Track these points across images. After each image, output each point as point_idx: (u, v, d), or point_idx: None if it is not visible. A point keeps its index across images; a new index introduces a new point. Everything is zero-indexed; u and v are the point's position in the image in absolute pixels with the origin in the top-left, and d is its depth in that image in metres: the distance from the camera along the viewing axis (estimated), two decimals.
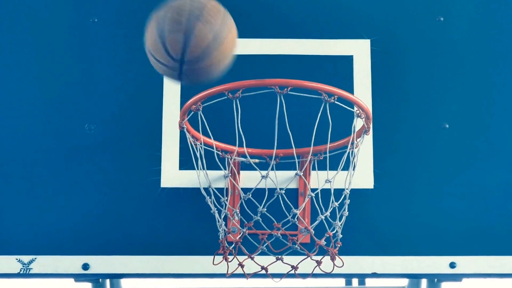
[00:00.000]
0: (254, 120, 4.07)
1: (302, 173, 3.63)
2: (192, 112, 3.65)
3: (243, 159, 3.68)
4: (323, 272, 3.66)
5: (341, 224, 3.68)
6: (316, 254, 3.59)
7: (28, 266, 3.98)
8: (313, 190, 3.64)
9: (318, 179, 3.71)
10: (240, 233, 3.71)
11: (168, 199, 4.07)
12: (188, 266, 3.98)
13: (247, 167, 3.83)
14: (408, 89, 4.21)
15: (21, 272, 3.97)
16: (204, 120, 3.62)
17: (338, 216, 3.67)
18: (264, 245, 3.60)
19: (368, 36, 4.25)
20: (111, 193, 4.08)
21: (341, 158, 3.71)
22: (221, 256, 3.66)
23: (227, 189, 3.85)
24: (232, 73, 4.15)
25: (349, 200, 3.71)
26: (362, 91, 4.16)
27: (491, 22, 4.30)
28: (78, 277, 4.00)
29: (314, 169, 3.89)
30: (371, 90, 4.18)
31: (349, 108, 3.62)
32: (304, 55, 4.23)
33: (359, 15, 4.29)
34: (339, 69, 4.20)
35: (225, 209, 3.70)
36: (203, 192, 3.76)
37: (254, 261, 3.60)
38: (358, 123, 3.71)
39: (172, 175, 4.09)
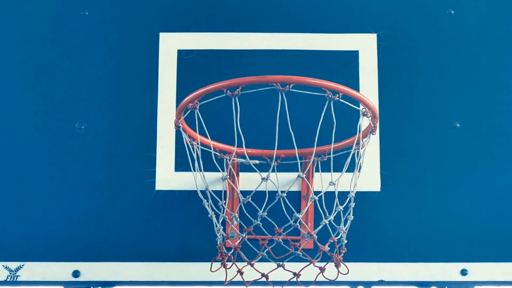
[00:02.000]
0: (254, 119, 4.07)
1: (304, 175, 3.61)
2: (189, 111, 3.65)
3: (242, 160, 3.67)
4: (326, 280, 3.65)
5: (346, 229, 3.67)
6: (320, 261, 3.58)
7: (15, 273, 3.97)
8: (316, 193, 3.63)
9: (322, 182, 3.72)
10: (239, 239, 3.70)
11: (163, 202, 4.06)
12: (184, 273, 3.98)
13: (247, 168, 3.82)
14: (416, 86, 4.20)
15: (8, 280, 3.97)
16: (201, 119, 3.61)
17: (342, 221, 3.66)
18: (265, 251, 3.59)
19: (375, 30, 4.24)
20: (103, 196, 4.08)
21: (346, 159, 3.70)
22: (219, 263, 3.65)
23: (225, 192, 3.85)
24: (231, 69, 4.18)
25: (354, 204, 3.70)
26: (368, 88, 4.16)
27: (505, 15, 4.29)
28: (68, 285, 4.00)
29: (317, 170, 3.89)
30: (378, 87, 4.17)
31: (354, 106, 3.61)
32: (307, 50, 4.22)
33: (365, 8, 4.28)
34: (344, 65, 4.19)
35: (223, 213, 3.69)
36: (200, 195, 3.75)
37: (254, 268, 3.59)
38: (364, 122, 3.71)
39: (168, 177, 4.08)
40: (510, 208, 4.08)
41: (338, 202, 3.62)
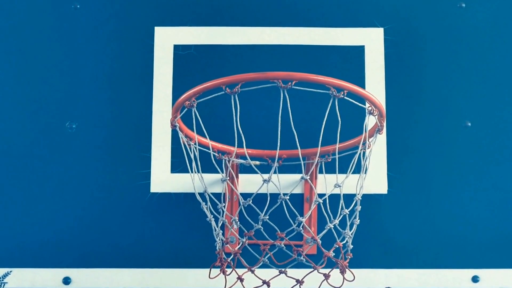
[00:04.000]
0: (255, 118, 4.07)
1: (308, 177, 3.60)
2: (186, 109, 3.64)
3: (242, 161, 3.67)
4: (331, 287, 3.63)
5: (351, 234, 3.66)
6: (324, 267, 3.57)
7: (2, 280, 3.97)
8: (320, 195, 3.61)
9: (326, 184, 3.70)
10: (239, 244, 3.69)
11: (159, 205, 4.06)
12: (181, 280, 3.98)
13: (247, 170, 3.82)
14: (425, 83, 4.20)
15: None
16: (199, 118, 3.60)
17: (348, 225, 3.65)
18: (266, 257, 3.58)
19: (381, 24, 4.24)
20: (95, 199, 4.07)
21: (351, 160, 3.69)
22: (218, 269, 3.64)
23: (224, 194, 3.83)
24: (230, 65, 4.18)
25: (360, 207, 3.69)
26: (375, 85, 4.16)
27: None
28: None
29: (321, 172, 3.89)
30: (385, 84, 4.17)
31: (360, 104, 3.61)
32: (310, 45, 4.22)
33: (371, 0, 4.28)
34: (349, 61, 4.19)
35: (222, 216, 3.68)
36: (198, 197, 3.74)
37: (254, 274, 3.58)
38: (370, 121, 3.70)
39: (163, 179, 4.08)
40: None
41: (343, 205, 3.61)
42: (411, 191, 4.08)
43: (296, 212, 3.54)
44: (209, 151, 3.69)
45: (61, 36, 4.23)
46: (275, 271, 3.59)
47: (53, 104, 4.17)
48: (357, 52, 4.20)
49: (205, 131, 3.63)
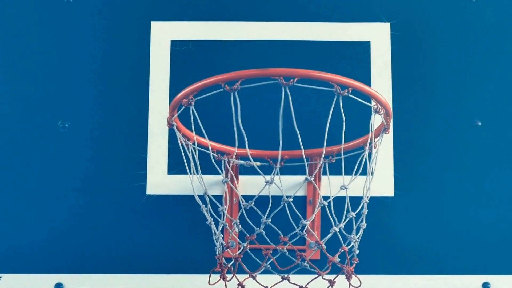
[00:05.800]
0: (256, 117, 4.07)
1: (312, 178, 3.59)
2: (183, 107, 3.62)
3: (243, 162, 3.66)
4: None
5: (358, 238, 3.65)
6: (329, 273, 3.56)
7: None
8: (324, 198, 3.60)
9: (330, 186, 3.69)
10: (240, 248, 3.68)
11: (155, 208, 4.06)
12: (179, 286, 3.98)
13: (248, 171, 3.82)
14: (434, 80, 4.20)
15: None
16: (197, 116, 3.58)
17: (354, 229, 3.64)
18: (268, 262, 3.57)
19: (388, 19, 4.24)
20: (89, 201, 4.07)
21: (356, 161, 3.69)
22: (218, 275, 3.63)
23: (224, 196, 3.81)
24: (229, 61, 4.17)
25: (366, 210, 3.68)
26: (381, 82, 4.16)
27: None
28: None
29: (325, 173, 3.87)
30: (391, 81, 4.17)
31: (365, 103, 3.59)
32: (313, 41, 4.22)
33: None
34: (354, 57, 4.19)
35: (222, 219, 3.67)
36: (197, 200, 3.73)
37: (256, 280, 3.57)
38: (376, 120, 3.68)
39: (160, 181, 4.08)
40: None
41: (350, 208, 3.60)
42: (418, 193, 4.08)
43: (300, 215, 3.53)
44: (208, 152, 3.68)
45: (53, 31, 4.23)
46: (277, 277, 3.59)
47: (44, 102, 4.16)
48: (363, 48, 4.19)
49: (203, 131, 3.62)
